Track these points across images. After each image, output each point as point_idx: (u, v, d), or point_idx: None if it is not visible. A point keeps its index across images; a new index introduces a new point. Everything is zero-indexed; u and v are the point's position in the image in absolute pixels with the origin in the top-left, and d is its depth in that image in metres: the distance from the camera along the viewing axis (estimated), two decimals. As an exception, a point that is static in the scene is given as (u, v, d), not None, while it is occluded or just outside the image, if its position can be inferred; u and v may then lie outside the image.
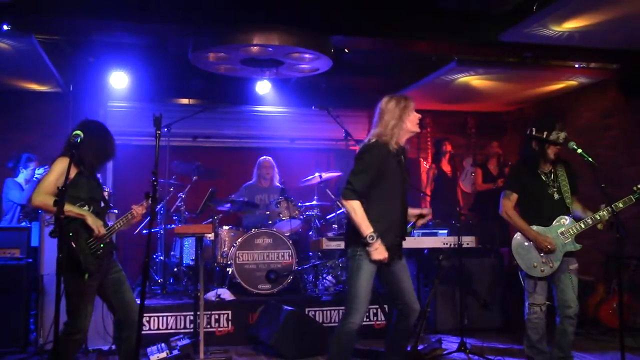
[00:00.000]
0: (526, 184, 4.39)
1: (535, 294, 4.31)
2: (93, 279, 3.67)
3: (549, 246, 4.22)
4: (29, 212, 6.30)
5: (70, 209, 3.50)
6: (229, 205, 6.79)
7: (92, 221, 3.62)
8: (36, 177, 6.25)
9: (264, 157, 7.37)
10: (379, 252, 3.58)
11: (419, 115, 3.84)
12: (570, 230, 4.27)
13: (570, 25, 5.30)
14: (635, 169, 6.66)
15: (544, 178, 4.37)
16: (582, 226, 4.26)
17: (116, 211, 4.04)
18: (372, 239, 3.57)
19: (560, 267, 4.27)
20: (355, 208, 3.61)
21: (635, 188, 4.17)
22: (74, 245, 3.53)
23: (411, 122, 3.79)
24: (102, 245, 3.69)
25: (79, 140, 3.47)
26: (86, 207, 3.71)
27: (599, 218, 4.21)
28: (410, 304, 3.83)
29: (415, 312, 3.83)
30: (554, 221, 4.31)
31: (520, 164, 4.56)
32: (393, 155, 3.74)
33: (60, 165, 3.61)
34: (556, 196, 4.34)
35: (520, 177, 4.44)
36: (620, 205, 4.14)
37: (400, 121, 3.75)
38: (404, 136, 3.82)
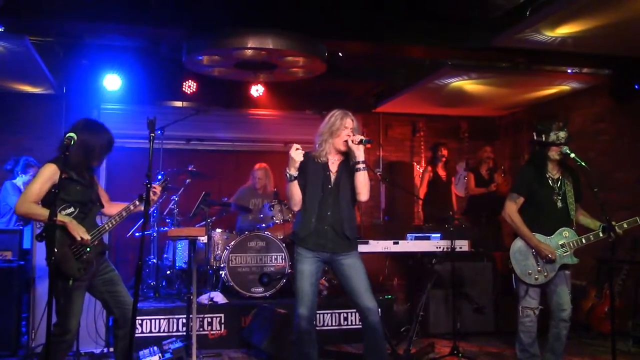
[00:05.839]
0: (534, 188, 4.38)
1: (529, 297, 4.33)
2: (81, 280, 3.66)
3: (550, 255, 4.23)
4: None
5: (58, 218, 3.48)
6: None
7: (72, 228, 3.59)
8: None
9: (259, 164, 7.38)
10: (294, 154, 3.75)
11: (349, 135, 3.87)
12: (570, 243, 4.28)
13: (563, 30, 5.33)
14: (626, 174, 6.70)
15: (551, 184, 4.37)
16: (583, 241, 4.27)
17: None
18: (288, 172, 3.81)
19: (555, 275, 4.28)
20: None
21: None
22: (55, 251, 3.52)
23: (339, 139, 3.91)
24: (88, 249, 3.68)
25: (72, 142, 3.47)
26: (71, 209, 3.69)
27: (601, 236, 4.22)
28: (362, 302, 3.84)
29: (370, 310, 3.82)
30: (556, 232, 4.32)
31: (527, 166, 4.54)
32: (317, 162, 3.93)
33: (46, 172, 3.60)
34: (560, 204, 4.34)
35: (529, 181, 4.41)
36: (625, 225, 4.16)
37: (330, 137, 3.91)
38: (332, 151, 3.95)
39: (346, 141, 3.86)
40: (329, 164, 3.96)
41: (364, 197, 3.91)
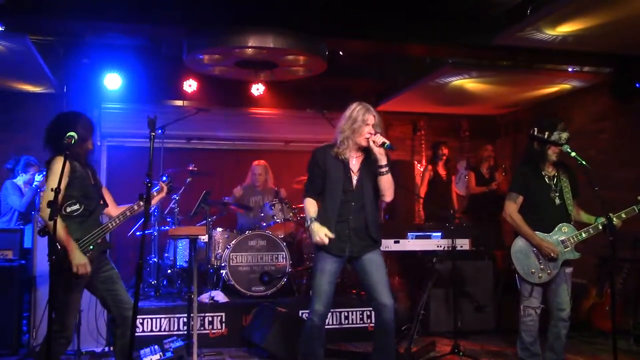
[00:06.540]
0: (531, 186, 4.36)
1: (531, 297, 4.32)
2: (82, 277, 3.66)
3: (552, 254, 4.22)
4: (26, 215, 6.26)
5: (60, 234, 3.50)
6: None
7: (72, 257, 3.55)
8: (36, 183, 6.19)
9: (257, 161, 7.36)
10: (315, 233, 3.79)
11: (371, 131, 3.82)
12: (570, 239, 4.27)
13: (564, 29, 5.32)
14: (627, 172, 6.69)
15: (547, 181, 4.35)
16: (583, 235, 4.26)
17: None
18: (309, 223, 3.85)
19: (557, 273, 4.27)
20: (305, 203, 3.98)
21: (639, 198, 4.17)
22: (60, 248, 3.53)
23: (360, 137, 3.84)
24: (91, 247, 3.69)
25: (73, 141, 3.47)
26: (77, 205, 3.70)
27: (600, 228, 4.21)
28: (379, 298, 3.82)
29: (385, 307, 3.80)
30: (555, 228, 4.31)
31: (523, 165, 4.51)
32: (338, 159, 3.88)
33: (57, 166, 3.59)
34: (557, 201, 4.33)
35: (526, 179, 4.40)
36: (623, 215, 4.16)
37: (351, 134, 3.85)
38: (353, 148, 3.89)
39: (368, 139, 3.81)
40: (350, 163, 3.90)
41: (389, 198, 3.88)
